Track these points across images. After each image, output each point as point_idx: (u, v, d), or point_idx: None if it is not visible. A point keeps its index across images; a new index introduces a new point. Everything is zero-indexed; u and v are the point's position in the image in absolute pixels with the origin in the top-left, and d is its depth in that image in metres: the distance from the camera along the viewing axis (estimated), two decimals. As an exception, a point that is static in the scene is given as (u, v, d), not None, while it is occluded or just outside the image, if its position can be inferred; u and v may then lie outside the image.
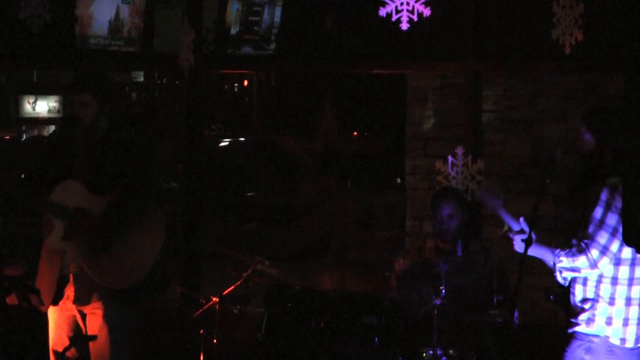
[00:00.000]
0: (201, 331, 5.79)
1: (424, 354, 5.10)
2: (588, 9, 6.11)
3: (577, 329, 4.49)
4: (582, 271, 4.40)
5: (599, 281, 4.44)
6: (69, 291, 5.08)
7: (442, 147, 7.86)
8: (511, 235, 4.57)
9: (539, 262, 4.53)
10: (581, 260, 4.36)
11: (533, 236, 4.44)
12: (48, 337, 5.22)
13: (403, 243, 8.68)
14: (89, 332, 5.07)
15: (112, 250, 4.99)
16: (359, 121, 19.05)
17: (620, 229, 4.29)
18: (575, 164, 4.56)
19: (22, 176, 5.27)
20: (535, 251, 4.46)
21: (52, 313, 5.15)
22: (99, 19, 6.91)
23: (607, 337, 4.42)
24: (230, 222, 14.72)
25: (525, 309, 5.57)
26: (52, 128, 23.38)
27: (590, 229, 4.36)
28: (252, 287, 5.83)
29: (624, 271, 4.41)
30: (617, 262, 4.40)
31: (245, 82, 27.67)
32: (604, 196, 4.35)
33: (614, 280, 4.42)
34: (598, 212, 4.35)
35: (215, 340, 5.76)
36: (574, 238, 4.43)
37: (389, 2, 6.30)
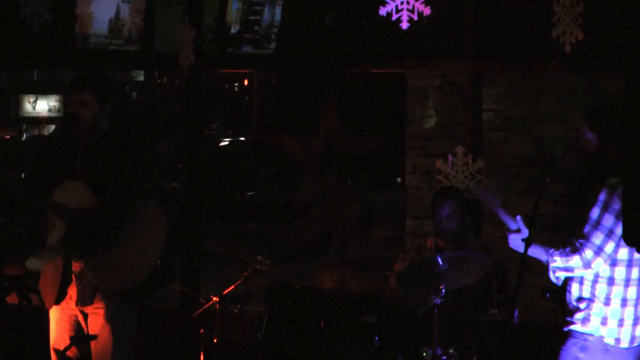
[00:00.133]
0: (201, 331, 5.80)
1: (424, 354, 5.09)
2: (588, 8, 6.11)
3: (572, 327, 4.49)
4: (576, 271, 4.40)
5: (595, 281, 4.43)
6: (72, 291, 5.08)
7: (442, 146, 7.86)
8: (507, 234, 4.56)
9: (539, 262, 4.53)
10: (575, 260, 4.36)
11: (526, 232, 4.44)
12: (49, 336, 5.22)
13: (403, 243, 8.68)
14: (91, 332, 5.06)
15: (111, 252, 4.98)
16: (359, 120, 19.04)
17: (616, 231, 4.30)
18: (577, 163, 4.55)
19: (23, 176, 5.26)
20: (529, 250, 4.45)
21: (53, 312, 5.15)
22: (99, 18, 6.90)
23: (602, 336, 4.43)
24: (230, 222, 14.73)
25: (525, 308, 5.57)
26: (52, 128, 23.37)
27: (586, 229, 4.36)
28: (252, 287, 5.83)
29: (620, 272, 4.40)
30: (614, 262, 4.40)
31: (246, 82, 27.67)
32: (601, 197, 4.35)
33: (610, 281, 4.41)
34: (595, 212, 4.35)
35: (215, 340, 5.77)
36: (570, 237, 4.43)
37: (389, 1, 6.30)
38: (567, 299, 4.53)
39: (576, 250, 4.35)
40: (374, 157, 16.94)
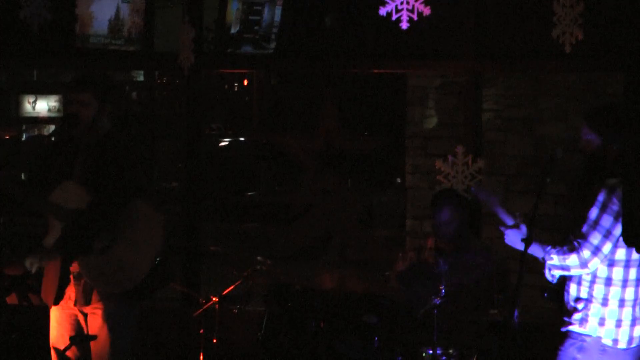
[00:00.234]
0: (201, 331, 5.79)
1: (424, 354, 5.09)
2: (588, 8, 6.11)
3: (570, 328, 4.49)
4: (572, 270, 4.40)
5: (592, 281, 4.43)
6: (71, 292, 5.08)
7: (442, 146, 7.86)
8: (502, 229, 4.55)
9: (540, 262, 4.53)
10: (572, 259, 4.35)
11: (524, 228, 4.44)
12: (49, 336, 5.22)
13: (403, 243, 8.68)
14: (90, 332, 5.06)
15: (108, 253, 4.97)
16: (359, 120, 19.04)
17: (614, 232, 4.30)
18: (577, 164, 4.55)
19: (24, 176, 5.26)
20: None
21: (54, 312, 5.15)
22: (99, 18, 6.90)
23: (600, 337, 4.43)
24: (230, 222, 14.72)
25: (525, 308, 5.56)
26: (52, 128, 23.35)
27: (584, 228, 4.36)
28: (252, 287, 5.83)
29: (617, 272, 4.40)
30: (611, 263, 4.40)
31: (245, 82, 27.65)
32: (600, 197, 4.35)
33: (608, 281, 4.41)
34: (593, 212, 4.35)
35: (215, 340, 5.77)
36: (568, 236, 4.43)
37: (389, 1, 6.30)
38: (565, 300, 4.53)
39: (574, 250, 4.35)
40: (374, 157, 16.94)
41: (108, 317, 5.03)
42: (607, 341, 4.42)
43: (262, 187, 19.01)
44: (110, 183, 4.99)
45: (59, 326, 5.14)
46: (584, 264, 4.34)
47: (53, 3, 6.90)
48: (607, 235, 4.32)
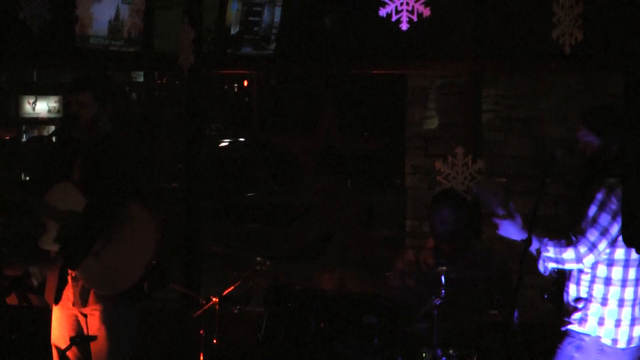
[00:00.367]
0: (201, 331, 5.79)
1: (424, 355, 5.09)
2: (588, 8, 6.11)
3: (570, 327, 4.50)
4: (567, 264, 4.40)
5: (592, 281, 4.44)
6: (69, 292, 5.08)
7: (442, 147, 7.86)
8: (496, 220, 4.54)
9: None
10: (568, 253, 4.37)
11: (519, 218, 4.45)
12: (49, 336, 5.23)
13: (403, 243, 8.68)
14: (90, 333, 5.06)
15: (101, 255, 4.97)
16: (359, 121, 19.05)
17: (611, 230, 4.32)
18: (577, 164, 4.55)
19: (25, 177, 5.26)
20: (521, 235, 4.45)
21: (56, 311, 5.16)
22: (99, 19, 6.91)
23: (599, 337, 4.43)
24: (230, 223, 14.72)
25: (525, 309, 5.57)
26: (52, 128, 23.35)
27: (582, 225, 4.37)
28: (252, 287, 5.83)
29: (617, 272, 4.41)
30: (610, 263, 4.41)
31: (245, 82, 27.67)
32: (599, 196, 4.36)
33: (607, 281, 4.42)
34: (592, 210, 4.37)
35: (215, 340, 5.76)
36: (566, 231, 4.44)
37: (388, 2, 6.30)
38: (565, 299, 4.54)
39: (571, 244, 4.36)
40: (374, 157, 16.94)
41: (106, 318, 5.03)
42: (607, 341, 4.42)
43: (261, 188, 19.02)
44: (108, 184, 4.99)
45: (59, 326, 5.15)
46: (579, 259, 4.36)
47: (53, 4, 6.90)
48: (603, 233, 4.33)
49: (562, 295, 4.55)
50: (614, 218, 4.31)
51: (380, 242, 10.93)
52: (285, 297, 5.36)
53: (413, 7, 6.28)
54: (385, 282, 5.86)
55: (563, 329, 4.52)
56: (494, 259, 5.67)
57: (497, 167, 7.90)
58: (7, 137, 22.51)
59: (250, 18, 6.87)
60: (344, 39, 6.89)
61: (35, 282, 4.95)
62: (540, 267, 4.50)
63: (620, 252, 4.38)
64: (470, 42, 6.50)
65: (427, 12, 6.27)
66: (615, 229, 4.31)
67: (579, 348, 4.45)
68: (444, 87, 8.28)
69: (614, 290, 4.42)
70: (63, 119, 5.14)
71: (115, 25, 6.95)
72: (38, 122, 24.30)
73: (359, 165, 15.93)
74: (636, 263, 4.41)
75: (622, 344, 4.43)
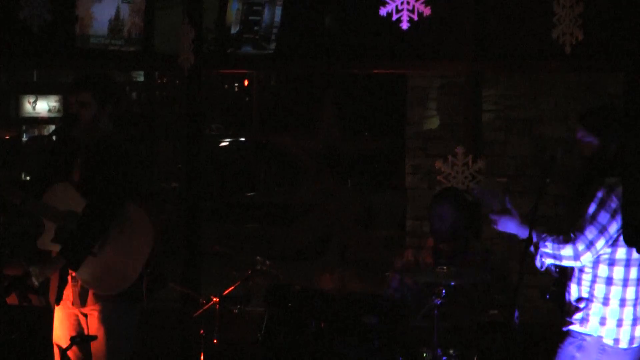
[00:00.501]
0: (201, 331, 5.79)
1: (424, 355, 5.09)
2: (588, 8, 6.11)
3: (571, 327, 4.50)
4: (564, 261, 4.41)
5: (593, 281, 4.44)
6: (69, 292, 5.09)
7: (442, 147, 7.86)
8: (493, 216, 4.53)
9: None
10: (566, 250, 4.37)
11: (515, 213, 4.45)
12: (49, 336, 5.23)
13: (403, 243, 8.68)
14: (90, 333, 5.07)
15: (100, 256, 4.97)
16: (359, 121, 19.05)
17: (609, 229, 4.32)
18: (577, 165, 4.55)
19: (25, 177, 5.26)
20: (520, 230, 4.45)
21: (57, 311, 5.17)
22: (99, 19, 6.91)
23: (601, 336, 4.43)
24: (230, 223, 14.71)
25: (525, 308, 5.57)
26: (52, 128, 23.35)
27: (582, 222, 4.37)
28: (252, 287, 5.83)
29: (618, 272, 4.41)
30: (612, 262, 4.40)
31: (246, 82, 27.65)
32: (600, 194, 4.36)
33: (609, 281, 4.42)
34: (591, 208, 4.37)
35: (215, 341, 5.76)
36: (565, 227, 4.44)
37: (389, 1, 6.30)
38: (566, 299, 4.54)
39: (569, 241, 4.36)
40: (374, 157, 16.93)
41: (105, 318, 5.03)
42: (609, 341, 4.42)
43: (261, 188, 19.01)
44: (108, 184, 4.98)
45: (61, 326, 5.15)
46: (576, 257, 4.36)
47: (53, 4, 6.90)
48: (602, 231, 4.33)
49: (563, 296, 4.55)
50: (613, 217, 4.31)
51: (380, 242, 10.93)
52: (285, 297, 5.36)
53: (413, 6, 6.28)
54: (385, 282, 5.86)
55: (564, 329, 4.52)
56: (493, 259, 5.67)
57: (497, 167, 7.90)
58: (7, 137, 22.51)
59: (250, 18, 6.87)
60: (344, 38, 6.89)
61: (35, 282, 4.94)
62: (537, 262, 4.50)
63: (621, 252, 4.38)
64: (471, 42, 6.50)
65: (427, 11, 6.27)
66: (614, 227, 4.31)
67: (580, 348, 4.45)
68: (444, 87, 8.28)
69: (616, 290, 4.42)
70: (63, 119, 5.14)
71: (115, 25, 6.95)
72: (38, 121, 24.30)
73: (359, 165, 15.92)
74: (637, 262, 4.41)
75: (624, 344, 4.43)
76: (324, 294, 5.44)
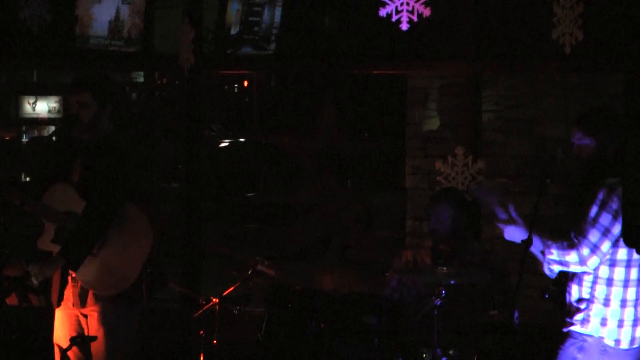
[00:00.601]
0: (201, 332, 5.79)
1: (424, 355, 5.09)
2: (588, 9, 6.11)
3: (572, 328, 4.49)
4: (571, 267, 4.40)
5: (594, 282, 4.44)
6: (69, 293, 5.09)
7: (442, 147, 7.86)
8: (500, 225, 4.54)
9: (540, 263, 4.53)
10: (571, 256, 4.36)
11: (521, 222, 4.45)
12: (49, 336, 5.23)
13: (403, 243, 8.68)
14: (90, 333, 5.07)
15: (99, 256, 4.97)
16: (359, 121, 19.05)
17: (613, 230, 4.31)
18: (575, 168, 4.55)
19: (25, 177, 5.27)
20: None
21: (58, 312, 5.18)
22: (99, 20, 6.90)
23: (602, 337, 4.43)
24: (230, 223, 14.72)
25: (525, 309, 5.57)
26: (52, 128, 23.36)
27: (583, 226, 4.36)
28: (252, 287, 5.83)
29: (619, 272, 4.41)
30: (613, 263, 4.40)
31: (245, 83, 27.67)
32: (600, 195, 4.35)
33: (610, 282, 4.42)
34: (593, 210, 4.36)
35: (215, 341, 5.76)
36: (568, 232, 4.43)
37: (389, 2, 6.30)
38: (567, 300, 4.53)
39: (573, 246, 4.35)
40: (374, 158, 16.94)
41: (105, 319, 5.04)
42: (609, 341, 4.42)
43: (261, 188, 19.01)
44: (108, 184, 4.98)
45: (61, 326, 5.15)
46: (582, 262, 4.35)
47: (53, 4, 6.90)
48: (605, 233, 4.32)
49: (563, 296, 4.54)
50: (615, 218, 4.30)
51: (380, 242, 10.93)
52: (285, 297, 5.36)
53: (413, 7, 6.28)
54: (385, 282, 5.86)
55: (565, 330, 4.51)
56: (493, 259, 5.66)
57: (497, 167, 7.90)
58: (7, 137, 22.51)
59: (250, 18, 6.87)
60: (344, 39, 6.89)
61: (35, 282, 4.95)
62: (546, 270, 4.50)
63: (622, 253, 4.38)
64: (470, 42, 6.50)
65: (427, 12, 6.27)
66: (617, 228, 4.30)
67: (581, 349, 4.45)
68: (444, 87, 8.28)
69: (617, 291, 4.41)
70: (63, 120, 5.14)
71: (115, 26, 6.95)
72: (38, 122, 24.30)
73: (359, 165, 15.92)
74: (638, 263, 4.41)
75: (625, 345, 4.42)
76: (324, 294, 5.44)
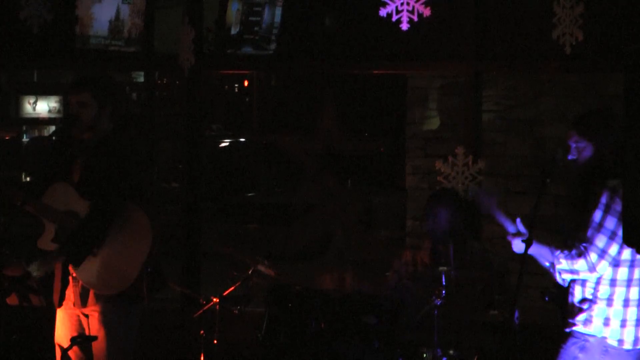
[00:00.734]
0: (201, 332, 5.79)
1: (424, 355, 5.09)
2: (588, 8, 6.11)
3: (574, 328, 4.49)
4: (581, 274, 4.41)
5: (597, 282, 4.44)
6: (70, 293, 5.09)
7: (442, 147, 7.86)
8: (509, 238, 4.56)
9: (539, 263, 4.53)
10: (580, 264, 4.36)
11: (525, 232, 4.45)
12: (49, 336, 5.23)
13: (403, 243, 8.68)
14: (91, 333, 5.07)
15: (98, 255, 4.98)
16: (359, 121, 19.05)
17: (619, 233, 4.30)
18: (575, 169, 4.54)
19: (26, 177, 5.27)
20: (534, 250, 4.45)
21: (59, 312, 5.19)
22: (100, 19, 6.90)
23: (605, 337, 4.43)
24: (230, 223, 14.71)
25: (525, 309, 5.57)
26: (52, 128, 23.37)
27: (589, 232, 4.36)
28: (252, 287, 5.83)
29: (622, 272, 4.41)
30: (616, 263, 4.40)
31: (246, 82, 27.65)
32: (604, 199, 4.35)
33: (613, 282, 4.42)
34: (597, 215, 4.35)
35: (215, 341, 5.76)
36: (574, 239, 4.43)
37: (389, 2, 6.30)
38: (570, 301, 4.53)
39: (581, 254, 4.35)
40: (374, 157, 16.94)
41: (105, 319, 5.04)
42: (612, 342, 4.42)
43: (262, 188, 19.00)
44: (109, 184, 4.98)
45: (62, 326, 5.16)
46: (592, 268, 4.34)
47: (53, 4, 6.90)
48: (612, 237, 4.32)
49: (563, 296, 4.54)
50: (620, 220, 4.29)
51: (380, 242, 10.93)
52: (285, 297, 5.37)
53: (413, 7, 6.28)
54: (385, 282, 5.86)
55: (567, 330, 4.51)
56: (492, 259, 5.66)
57: (497, 167, 7.90)
58: (7, 137, 22.51)
59: (250, 18, 6.87)
60: (344, 39, 6.89)
61: (36, 273, 4.94)
62: (558, 279, 4.50)
63: (626, 253, 4.37)
64: (471, 42, 6.50)
65: (427, 12, 6.27)
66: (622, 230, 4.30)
67: (583, 349, 4.45)
68: (444, 87, 8.28)
69: (620, 291, 4.41)
70: (63, 120, 5.14)
71: (115, 26, 6.95)
72: (38, 122, 24.31)
73: (359, 165, 15.92)
74: (640, 263, 4.41)
75: (628, 345, 4.42)
76: (324, 294, 5.44)
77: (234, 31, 6.88)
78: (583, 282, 4.47)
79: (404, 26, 6.31)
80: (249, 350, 5.77)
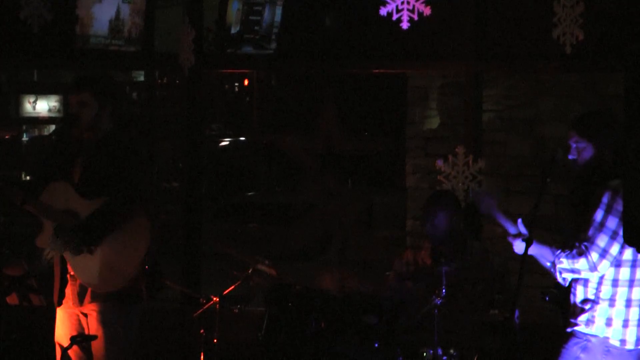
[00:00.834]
0: (201, 331, 5.79)
1: (424, 354, 5.09)
2: (588, 8, 6.11)
3: (576, 329, 4.49)
4: (582, 273, 4.40)
5: (599, 282, 4.43)
6: (68, 291, 5.09)
7: (442, 147, 7.86)
8: (510, 239, 4.56)
9: (540, 263, 4.53)
10: (581, 263, 4.36)
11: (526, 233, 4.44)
12: (49, 336, 5.23)
13: (403, 243, 8.68)
14: (91, 332, 5.07)
15: (96, 254, 4.98)
16: (359, 121, 19.05)
17: (621, 232, 4.29)
18: (575, 169, 4.54)
19: (26, 177, 5.27)
20: (535, 250, 4.45)
21: (59, 311, 5.18)
22: (100, 19, 6.90)
23: (607, 338, 4.42)
24: (230, 223, 14.72)
25: (525, 309, 5.57)
26: (52, 128, 23.39)
27: (590, 231, 4.35)
28: (252, 287, 5.83)
29: (624, 273, 4.40)
30: (618, 263, 4.40)
31: (246, 82, 27.65)
32: (605, 199, 4.35)
33: (615, 282, 4.41)
34: (599, 214, 4.35)
35: (215, 340, 5.76)
36: (575, 239, 4.43)
37: (389, 1, 6.30)
38: (572, 301, 4.52)
39: (582, 253, 4.34)
40: (374, 157, 16.94)
41: (103, 318, 5.04)
42: (615, 342, 4.41)
43: (262, 188, 19.02)
44: (104, 187, 4.98)
45: (62, 325, 5.16)
46: (593, 267, 4.34)
47: (53, 4, 6.90)
48: (613, 236, 4.31)
49: (563, 296, 4.54)
50: (621, 220, 4.28)
51: (380, 242, 10.94)
52: (286, 297, 5.36)
53: (414, 6, 6.28)
54: (386, 282, 5.86)
55: (569, 330, 4.50)
56: (492, 259, 5.66)
57: (497, 167, 7.90)
58: (7, 137, 22.52)
59: (250, 17, 6.87)
60: (344, 38, 6.89)
61: (43, 261, 4.94)
62: (559, 279, 4.50)
63: (628, 253, 4.37)
64: (471, 42, 6.50)
65: (427, 11, 6.27)
66: None
67: (584, 349, 4.44)
68: (445, 87, 8.28)
69: (622, 291, 4.41)
70: (63, 119, 5.14)
71: (115, 25, 6.95)
72: (38, 121, 24.32)
73: (359, 165, 15.93)
74: (643, 263, 4.41)
75: (630, 345, 4.42)
76: (324, 294, 5.44)
77: (234, 31, 6.88)
78: (585, 282, 4.46)
79: (404, 25, 6.31)
80: (249, 350, 5.77)
